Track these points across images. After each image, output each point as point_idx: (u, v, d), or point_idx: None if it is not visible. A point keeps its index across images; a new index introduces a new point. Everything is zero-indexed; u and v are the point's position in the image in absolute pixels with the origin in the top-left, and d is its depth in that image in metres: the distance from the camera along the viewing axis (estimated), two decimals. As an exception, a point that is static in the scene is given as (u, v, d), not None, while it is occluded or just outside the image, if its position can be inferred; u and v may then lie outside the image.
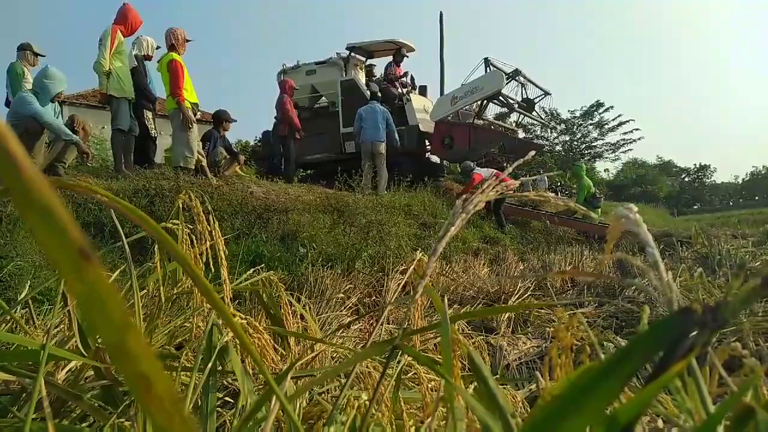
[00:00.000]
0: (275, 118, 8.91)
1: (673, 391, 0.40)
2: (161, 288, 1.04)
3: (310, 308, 2.20)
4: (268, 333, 1.00)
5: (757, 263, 3.96)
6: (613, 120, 38.64)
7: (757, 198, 58.47)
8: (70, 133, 4.95)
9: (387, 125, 8.30)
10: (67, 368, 1.01)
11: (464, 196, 0.56)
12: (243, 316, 0.90)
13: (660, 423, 0.70)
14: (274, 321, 1.17)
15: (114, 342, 0.20)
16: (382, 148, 8.24)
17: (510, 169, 0.62)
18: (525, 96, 9.87)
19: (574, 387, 0.31)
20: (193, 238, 1.05)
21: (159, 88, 6.30)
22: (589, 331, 0.54)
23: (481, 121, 9.55)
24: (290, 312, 1.26)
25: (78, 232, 0.19)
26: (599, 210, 9.28)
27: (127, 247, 0.88)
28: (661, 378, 0.30)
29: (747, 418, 0.30)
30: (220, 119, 7.05)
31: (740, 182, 72.07)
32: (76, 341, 0.95)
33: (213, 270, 1.07)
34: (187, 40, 5.97)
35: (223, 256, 0.97)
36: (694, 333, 0.31)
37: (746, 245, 4.93)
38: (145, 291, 1.14)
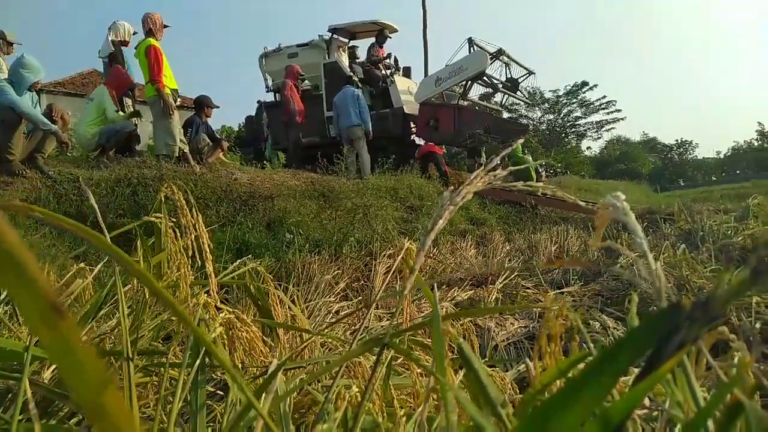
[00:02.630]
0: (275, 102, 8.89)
1: (663, 384, 0.40)
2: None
3: (297, 297, 2.19)
4: (257, 325, 0.99)
5: (740, 238, 4.02)
6: (597, 101, 38.98)
7: (738, 172, 59.31)
8: (49, 122, 4.84)
9: (359, 107, 8.16)
10: (53, 367, 0.99)
11: (450, 187, 0.55)
12: (230, 310, 0.89)
13: (646, 401, 0.71)
14: (263, 312, 1.17)
15: (91, 402, 0.19)
16: (358, 131, 8.13)
17: (500, 156, 0.61)
18: (509, 76, 9.83)
19: (566, 384, 0.31)
20: (177, 231, 1.03)
21: (137, 74, 6.18)
22: (578, 320, 0.54)
23: (466, 102, 9.51)
24: (278, 302, 1.25)
25: (49, 286, 0.18)
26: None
27: (109, 241, 0.86)
28: (652, 376, 0.30)
29: (737, 412, 0.30)
30: (202, 105, 6.93)
31: (722, 157, 73.00)
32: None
33: (199, 262, 1.06)
34: (165, 26, 5.84)
35: (208, 250, 0.96)
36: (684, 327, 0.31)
37: (728, 220, 5.00)
38: (129, 286, 1.13)
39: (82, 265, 1.30)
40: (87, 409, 0.19)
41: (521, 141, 9.63)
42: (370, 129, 8.24)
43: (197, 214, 0.96)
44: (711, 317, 0.30)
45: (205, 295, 0.91)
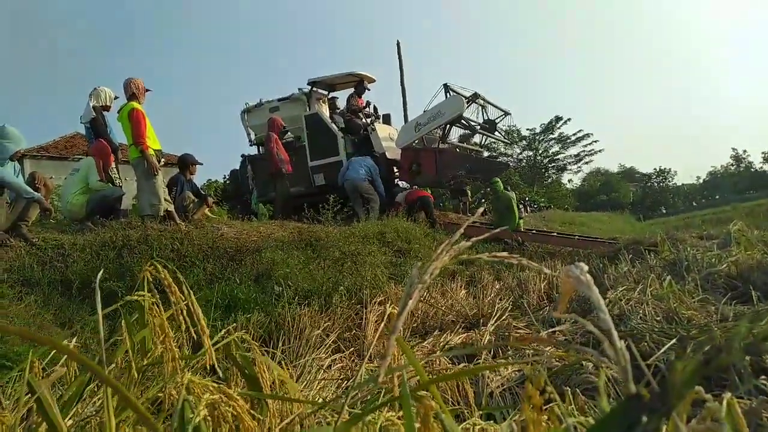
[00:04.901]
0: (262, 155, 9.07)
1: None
2: (131, 362, 1.01)
3: (285, 362, 2.16)
4: (244, 397, 0.98)
5: (723, 266, 4.07)
6: (573, 135, 40.11)
7: (718, 197, 60.48)
8: (32, 191, 4.84)
9: (370, 174, 8.88)
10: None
11: (419, 263, 0.57)
12: (215, 386, 0.89)
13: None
14: (250, 381, 1.15)
15: None
16: (366, 186, 8.75)
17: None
18: (486, 117, 10.08)
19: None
20: (160, 306, 1.04)
21: (119, 135, 6.25)
22: (558, 402, 0.55)
23: (446, 145, 9.70)
24: (266, 368, 1.24)
25: None
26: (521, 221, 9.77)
27: (102, 321, 0.86)
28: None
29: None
30: (186, 163, 7.00)
31: (701, 183, 74.50)
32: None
33: (190, 334, 1.06)
34: (147, 90, 5.94)
35: (204, 324, 0.96)
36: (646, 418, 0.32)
37: (711, 248, 5.07)
38: (113, 366, 1.11)
39: (65, 342, 1.29)
40: None
41: (497, 178, 9.94)
42: (384, 194, 9.04)
43: (189, 292, 0.96)
44: (669, 408, 0.31)
45: (189, 374, 0.90)
